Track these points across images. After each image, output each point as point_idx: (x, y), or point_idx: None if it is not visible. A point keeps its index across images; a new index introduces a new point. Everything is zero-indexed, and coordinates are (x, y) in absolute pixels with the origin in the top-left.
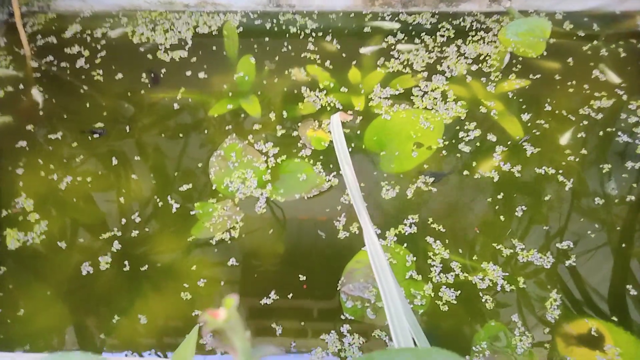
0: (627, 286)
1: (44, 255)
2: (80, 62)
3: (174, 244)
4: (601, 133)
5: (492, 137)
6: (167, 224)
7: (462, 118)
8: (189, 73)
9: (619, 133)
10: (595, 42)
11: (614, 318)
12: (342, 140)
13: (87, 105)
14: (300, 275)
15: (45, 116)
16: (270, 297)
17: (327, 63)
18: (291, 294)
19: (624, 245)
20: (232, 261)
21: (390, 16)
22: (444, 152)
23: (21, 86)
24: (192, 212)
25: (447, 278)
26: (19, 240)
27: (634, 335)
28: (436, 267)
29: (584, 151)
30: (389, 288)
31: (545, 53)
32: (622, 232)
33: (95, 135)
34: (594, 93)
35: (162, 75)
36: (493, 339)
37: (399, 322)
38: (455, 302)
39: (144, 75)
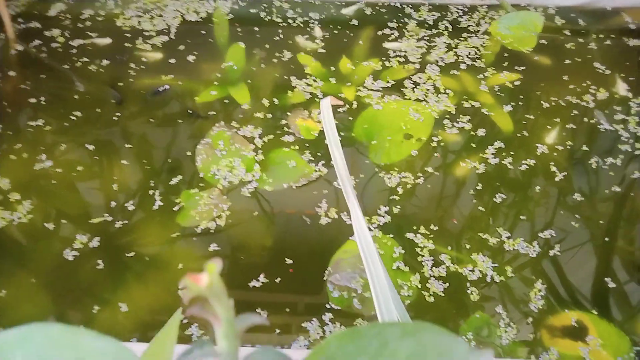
0: (606, 279)
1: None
2: (65, 46)
3: (160, 232)
4: (590, 128)
5: (481, 131)
6: (151, 213)
7: (452, 112)
8: (177, 60)
9: (608, 127)
10: (586, 37)
11: (595, 311)
12: (332, 125)
13: (72, 92)
14: (286, 259)
15: (27, 102)
16: (259, 280)
17: (318, 52)
18: (279, 279)
19: (607, 238)
20: (215, 247)
21: (382, 6)
22: (434, 144)
23: (3, 70)
24: (176, 203)
25: (436, 269)
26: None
27: (617, 327)
28: (424, 258)
29: (572, 145)
30: (377, 273)
31: (536, 47)
32: (606, 226)
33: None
34: (586, 88)
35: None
36: (478, 330)
37: (388, 310)
38: (442, 294)
39: (132, 65)
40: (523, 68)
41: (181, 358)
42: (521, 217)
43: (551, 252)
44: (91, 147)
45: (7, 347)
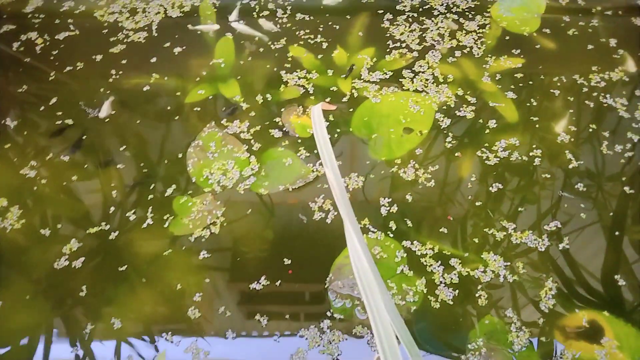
0: (615, 276)
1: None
2: (46, 46)
3: (150, 243)
4: (597, 111)
5: (484, 120)
6: (143, 223)
7: (452, 103)
8: (164, 56)
9: (617, 111)
10: (591, 16)
11: (607, 311)
12: (324, 137)
13: (57, 93)
14: (285, 260)
15: (13, 103)
16: (260, 283)
17: (311, 44)
18: (279, 281)
19: (617, 233)
20: (205, 254)
21: None
22: (436, 136)
23: None
24: (168, 211)
25: (442, 272)
26: None
27: (635, 327)
28: (429, 261)
29: (581, 129)
30: (372, 292)
31: (539, 29)
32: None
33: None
34: (591, 71)
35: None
36: (489, 335)
37: (382, 321)
38: (450, 299)
39: (114, 64)
40: (526, 52)
41: None
42: (520, 209)
43: (560, 246)
44: (78, 152)
45: None
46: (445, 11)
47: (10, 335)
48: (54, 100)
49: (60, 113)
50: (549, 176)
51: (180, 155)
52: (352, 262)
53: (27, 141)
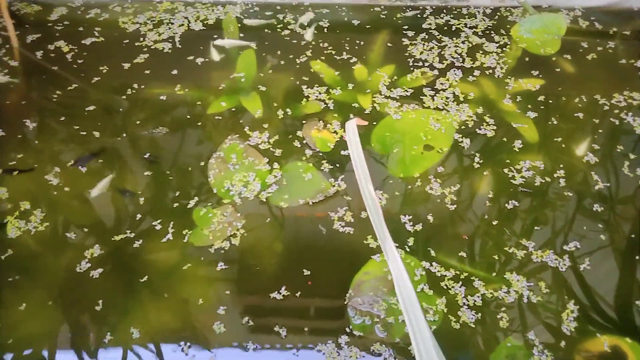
0: (638, 302)
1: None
2: (71, 55)
3: (172, 254)
4: (621, 131)
5: (504, 140)
6: (162, 232)
7: (472, 122)
8: (186, 67)
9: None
10: (612, 38)
11: (630, 338)
12: (359, 153)
13: (78, 101)
14: (305, 271)
15: (35, 110)
16: (281, 293)
17: (333, 59)
18: (298, 292)
19: (637, 257)
20: (224, 267)
21: (398, 10)
22: (456, 154)
23: (9, 79)
24: (188, 223)
25: (464, 292)
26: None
27: None
28: (451, 281)
29: (601, 151)
30: (417, 318)
31: (560, 50)
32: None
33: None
34: (615, 90)
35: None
36: (511, 358)
37: (424, 342)
38: (471, 321)
39: (137, 75)
40: (546, 73)
41: None
42: (536, 227)
43: (581, 267)
44: (100, 158)
45: None
46: (470, 31)
47: (33, 338)
48: (76, 109)
49: (77, 127)
50: (571, 194)
51: (202, 164)
52: (396, 283)
53: (46, 147)
